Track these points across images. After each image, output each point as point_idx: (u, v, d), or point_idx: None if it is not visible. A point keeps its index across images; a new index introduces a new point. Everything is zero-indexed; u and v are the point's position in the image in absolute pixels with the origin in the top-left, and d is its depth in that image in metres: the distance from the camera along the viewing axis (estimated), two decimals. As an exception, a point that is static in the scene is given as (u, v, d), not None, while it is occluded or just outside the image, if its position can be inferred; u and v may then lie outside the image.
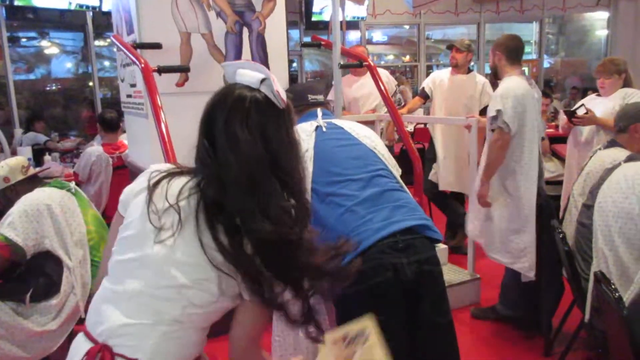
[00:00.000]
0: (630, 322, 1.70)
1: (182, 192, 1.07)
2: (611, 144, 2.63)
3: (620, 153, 2.51)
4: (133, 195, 1.13)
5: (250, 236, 1.04)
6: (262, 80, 1.09)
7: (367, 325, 1.36)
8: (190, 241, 1.05)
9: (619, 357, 1.94)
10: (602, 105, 3.34)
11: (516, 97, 2.71)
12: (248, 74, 1.09)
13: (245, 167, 1.04)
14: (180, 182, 1.09)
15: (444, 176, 4.11)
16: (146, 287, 1.06)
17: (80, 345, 1.10)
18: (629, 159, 2.26)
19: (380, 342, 1.34)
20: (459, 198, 4.27)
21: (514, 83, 2.78)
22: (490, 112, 2.79)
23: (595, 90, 3.76)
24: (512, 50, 2.87)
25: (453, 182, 4.10)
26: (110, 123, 4.01)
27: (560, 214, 3.21)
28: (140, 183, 1.14)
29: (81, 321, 2.36)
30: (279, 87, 1.09)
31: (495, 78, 3.02)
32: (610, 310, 1.81)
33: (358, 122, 1.97)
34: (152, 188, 1.08)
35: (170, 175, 1.11)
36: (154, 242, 1.05)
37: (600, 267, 2.15)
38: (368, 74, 4.33)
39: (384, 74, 4.51)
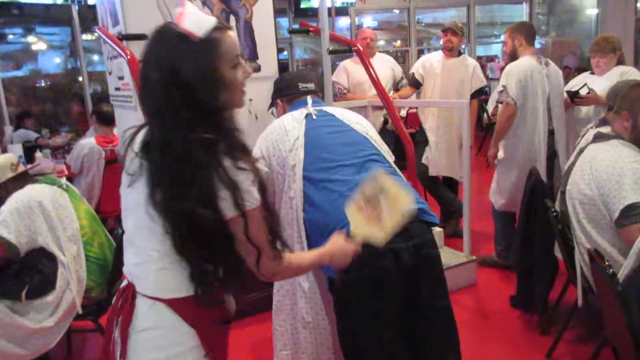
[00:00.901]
0: (625, 298, 1.71)
1: (143, 140, 1.14)
2: (603, 122, 2.63)
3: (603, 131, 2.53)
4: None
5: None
6: (179, 16, 1.10)
7: (378, 181, 1.39)
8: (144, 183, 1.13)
9: (614, 333, 1.95)
10: (599, 84, 3.34)
11: (519, 73, 3.17)
12: (165, 11, 1.14)
13: (152, 103, 1.11)
14: (144, 132, 1.16)
15: (435, 161, 4.07)
16: (134, 229, 1.17)
17: (121, 284, 1.25)
18: (595, 139, 2.25)
19: (401, 189, 1.38)
20: (452, 185, 4.24)
21: (520, 61, 3.25)
22: (498, 88, 3.28)
23: (586, 69, 3.76)
24: (531, 34, 3.36)
25: (445, 166, 4.07)
26: (106, 117, 3.97)
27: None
28: None
29: (78, 317, 2.36)
30: (192, 19, 1.09)
31: (511, 60, 3.37)
32: (605, 287, 1.82)
33: (349, 108, 1.97)
34: (128, 144, 1.17)
35: (140, 127, 1.18)
36: (128, 188, 1.15)
37: (580, 252, 2.18)
38: (377, 58, 4.31)
39: (388, 59, 4.44)
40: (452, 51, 3.99)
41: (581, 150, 2.29)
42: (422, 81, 4.10)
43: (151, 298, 1.14)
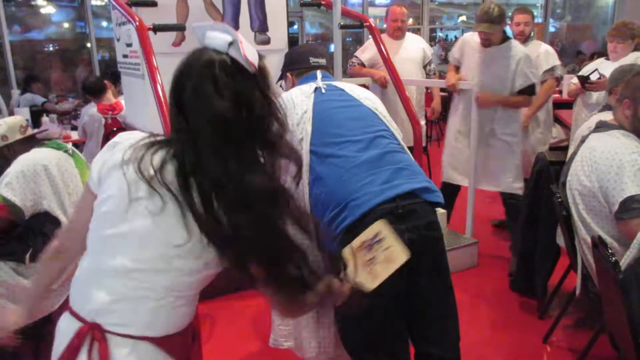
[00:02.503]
0: (626, 286, 1.71)
1: (162, 163, 1.03)
2: (605, 107, 2.62)
3: (603, 117, 2.54)
4: (107, 170, 1.09)
5: (226, 194, 1.02)
6: (231, 44, 1.04)
7: (379, 229, 1.38)
8: (170, 211, 1.02)
9: (612, 320, 1.96)
10: (611, 70, 3.29)
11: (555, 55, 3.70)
12: (216, 37, 1.05)
13: (218, 129, 1.01)
14: (160, 153, 1.05)
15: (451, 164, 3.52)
16: (132, 262, 1.04)
17: (68, 325, 1.09)
18: (596, 127, 2.21)
19: (397, 241, 1.36)
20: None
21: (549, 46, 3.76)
22: (547, 66, 3.60)
23: (600, 54, 3.72)
24: None
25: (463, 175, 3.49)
26: (93, 88, 3.95)
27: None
28: (114, 158, 1.09)
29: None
30: (249, 49, 1.04)
31: (523, 42, 3.58)
32: (606, 274, 1.82)
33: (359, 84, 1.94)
34: (138, 162, 1.04)
35: (149, 146, 1.06)
36: (137, 215, 1.03)
37: (580, 242, 2.17)
38: (408, 38, 4.01)
39: (419, 40, 4.15)
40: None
41: (583, 140, 2.26)
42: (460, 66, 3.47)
43: (135, 338, 1.05)
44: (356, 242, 1.40)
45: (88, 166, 2.56)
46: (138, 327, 1.05)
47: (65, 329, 1.09)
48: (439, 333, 1.67)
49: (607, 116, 2.36)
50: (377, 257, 1.38)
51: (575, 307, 2.70)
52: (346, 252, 1.41)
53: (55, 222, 2.28)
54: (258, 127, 1.05)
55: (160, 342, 1.06)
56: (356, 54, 4.09)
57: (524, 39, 3.65)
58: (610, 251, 1.78)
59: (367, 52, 3.98)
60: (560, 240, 2.55)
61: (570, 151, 2.78)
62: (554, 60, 3.68)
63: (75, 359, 1.05)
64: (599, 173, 2.02)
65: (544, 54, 3.65)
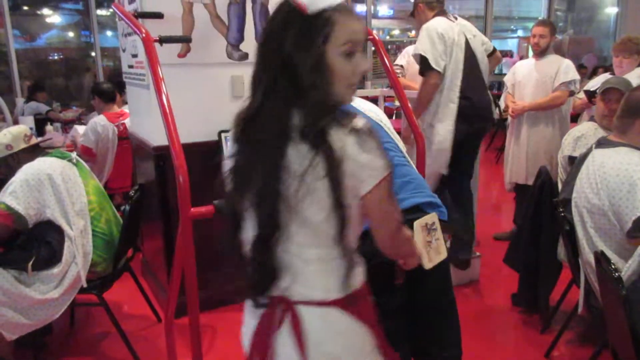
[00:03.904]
0: (629, 302, 1.70)
1: None
2: (593, 117, 2.66)
3: (589, 125, 2.70)
4: None
5: None
6: None
7: (434, 219, 1.48)
8: None
9: (616, 335, 1.95)
10: None
11: None
12: None
13: (261, 69, 1.07)
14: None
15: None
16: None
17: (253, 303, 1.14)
18: (598, 144, 2.21)
19: (443, 238, 1.47)
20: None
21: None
22: (565, 78, 3.48)
23: (601, 68, 3.73)
24: None
25: None
26: (109, 93, 3.96)
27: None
28: None
29: (82, 291, 2.38)
30: None
31: (542, 55, 3.61)
32: (609, 289, 1.81)
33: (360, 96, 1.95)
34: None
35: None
36: None
37: (583, 260, 2.16)
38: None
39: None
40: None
41: (584, 156, 2.25)
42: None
43: (318, 304, 1.05)
44: (422, 220, 1.46)
45: (91, 175, 2.57)
46: (314, 292, 1.05)
47: (251, 308, 1.15)
48: (441, 347, 1.67)
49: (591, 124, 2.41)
50: (432, 243, 1.47)
51: (578, 321, 2.69)
52: (418, 223, 1.45)
53: (58, 231, 2.29)
54: (296, 73, 1.03)
55: (343, 304, 1.06)
56: (396, 62, 3.99)
57: (539, 51, 3.58)
58: (613, 266, 1.78)
59: (401, 59, 3.99)
60: (562, 255, 2.55)
61: (560, 157, 2.78)
62: (574, 74, 3.53)
63: (269, 330, 1.09)
64: (610, 191, 2.00)
65: (564, 67, 3.54)
